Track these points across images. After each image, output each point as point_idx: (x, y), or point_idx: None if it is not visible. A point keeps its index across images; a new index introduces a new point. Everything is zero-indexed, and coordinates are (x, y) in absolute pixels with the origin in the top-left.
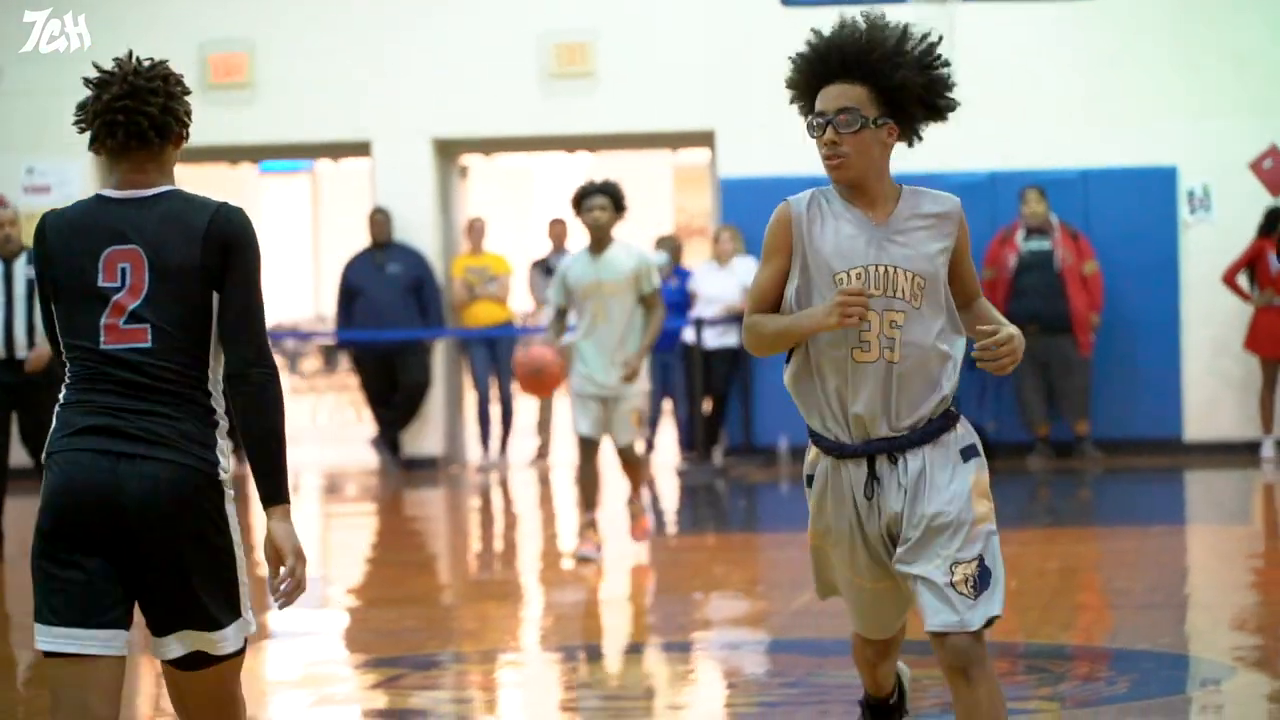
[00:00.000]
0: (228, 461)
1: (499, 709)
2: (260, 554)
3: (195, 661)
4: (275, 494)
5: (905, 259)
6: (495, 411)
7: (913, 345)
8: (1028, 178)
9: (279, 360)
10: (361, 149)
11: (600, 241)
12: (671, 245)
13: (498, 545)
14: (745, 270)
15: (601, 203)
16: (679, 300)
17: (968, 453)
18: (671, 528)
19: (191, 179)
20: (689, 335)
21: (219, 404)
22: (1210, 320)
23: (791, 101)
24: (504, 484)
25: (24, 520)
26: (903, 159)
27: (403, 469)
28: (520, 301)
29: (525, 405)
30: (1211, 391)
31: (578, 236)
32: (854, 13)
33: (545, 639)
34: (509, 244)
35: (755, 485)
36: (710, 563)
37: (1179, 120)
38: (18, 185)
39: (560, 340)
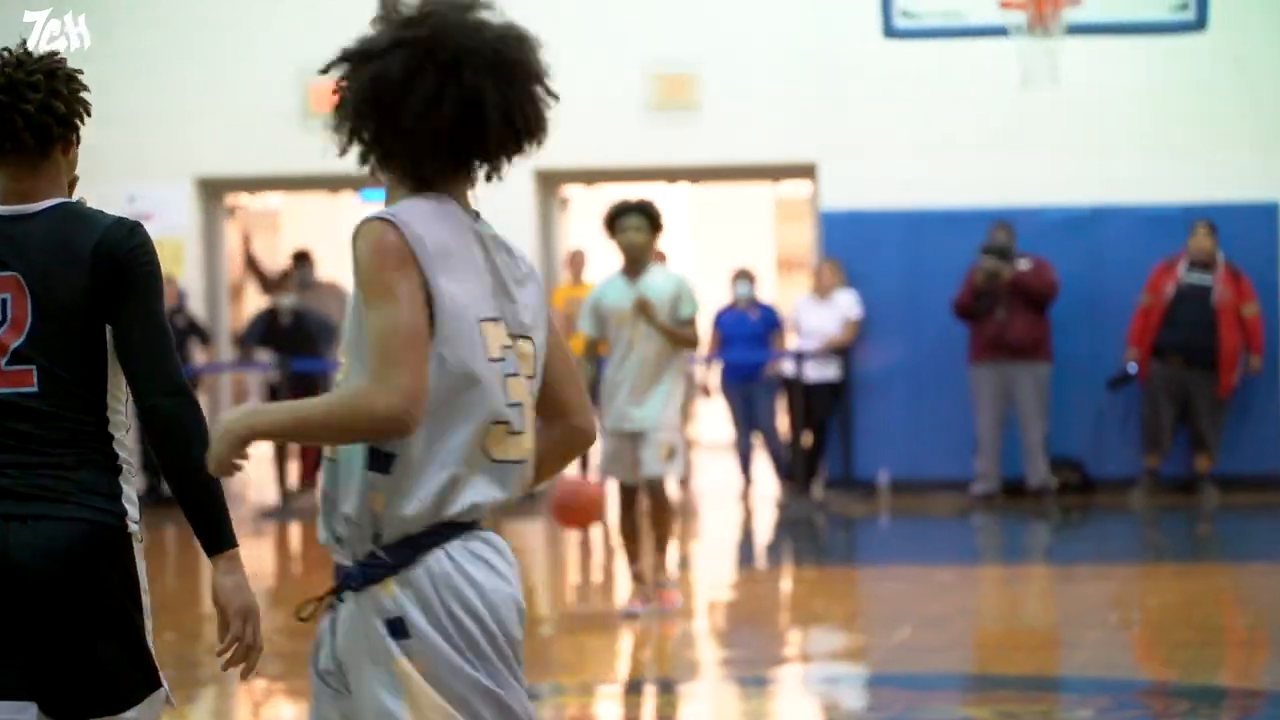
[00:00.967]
0: (135, 510)
1: None
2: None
3: None
4: (215, 540)
5: None
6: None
7: None
8: (1130, 213)
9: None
10: None
11: (636, 264)
12: (749, 279)
13: (596, 576)
14: (846, 303)
15: (637, 223)
16: (760, 332)
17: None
18: (770, 561)
19: (294, 208)
20: (788, 368)
21: (123, 448)
22: None
23: None
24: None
25: None
26: (1008, 190)
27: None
28: None
29: None
30: None
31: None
32: None
33: (643, 671)
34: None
35: (854, 519)
36: (809, 596)
37: None
38: None
39: (588, 374)
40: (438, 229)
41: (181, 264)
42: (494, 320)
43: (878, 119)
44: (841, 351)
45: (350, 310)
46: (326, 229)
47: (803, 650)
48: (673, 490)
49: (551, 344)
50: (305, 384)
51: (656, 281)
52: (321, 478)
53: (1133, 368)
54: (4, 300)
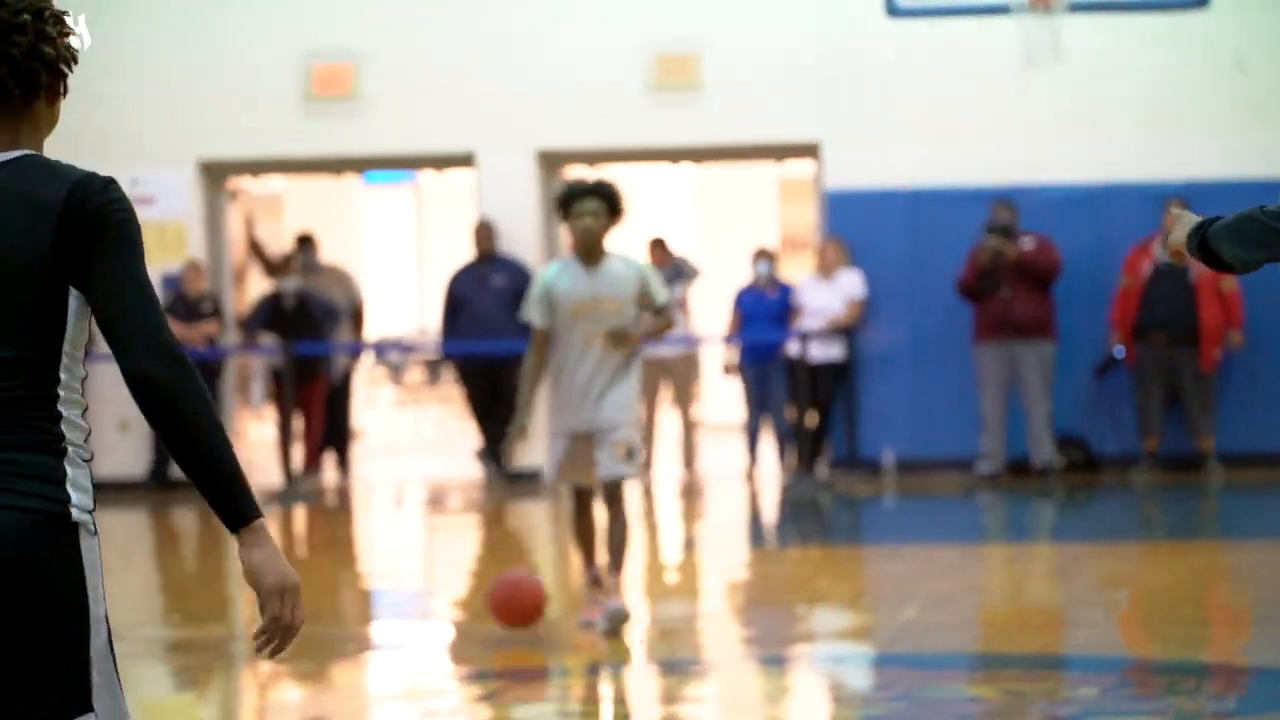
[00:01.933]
0: (86, 498)
1: None
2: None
3: None
4: (235, 513)
5: None
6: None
7: None
8: (1132, 191)
9: (382, 372)
10: (465, 161)
11: (592, 252)
12: (769, 258)
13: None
14: (851, 283)
15: (594, 207)
16: (779, 313)
17: None
18: (775, 541)
19: (295, 190)
20: (793, 348)
21: (72, 428)
22: None
23: None
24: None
25: None
26: (1011, 169)
27: (507, 481)
28: None
29: None
30: None
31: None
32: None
33: (650, 652)
34: None
35: (859, 498)
36: (815, 576)
37: None
38: None
39: (541, 372)
40: None
41: (185, 248)
42: None
43: (881, 99)
44: (846, 331)
45: None
46: (329, 212)
47: (808, 630)
48: (633, 499)
49: None
50: (309, 367)
51: (617, 271)
52: None
53: (1120, 351)
54: None
